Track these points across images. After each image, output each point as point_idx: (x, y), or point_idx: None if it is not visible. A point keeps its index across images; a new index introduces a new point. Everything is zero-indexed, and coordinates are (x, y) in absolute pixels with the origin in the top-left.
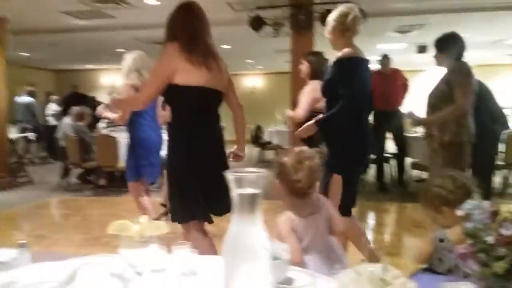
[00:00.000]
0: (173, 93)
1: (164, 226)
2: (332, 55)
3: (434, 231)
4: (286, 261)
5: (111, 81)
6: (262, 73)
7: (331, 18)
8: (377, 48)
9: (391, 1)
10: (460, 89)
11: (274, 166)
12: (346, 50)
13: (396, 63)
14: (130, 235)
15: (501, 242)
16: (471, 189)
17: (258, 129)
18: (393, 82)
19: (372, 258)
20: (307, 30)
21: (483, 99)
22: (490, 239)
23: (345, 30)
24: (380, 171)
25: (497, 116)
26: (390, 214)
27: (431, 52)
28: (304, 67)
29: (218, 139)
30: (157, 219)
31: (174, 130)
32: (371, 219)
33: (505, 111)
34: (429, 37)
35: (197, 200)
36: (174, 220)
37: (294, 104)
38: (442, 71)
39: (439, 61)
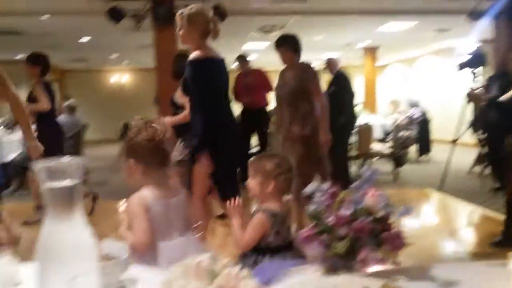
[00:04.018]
0: None
1: None
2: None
3: (253, 210)
4: (122, 260)
5: None
6: (129, 69)
7: (189, 15)
8: (243, 48)
9: (252, 0)
10: (317, 86)
11: (122, 152)
12: (198, 52)
13: (262, 63)
14: None
15: (341, 222)
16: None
17: (126, 126)
18: (254, 81)
19: None
20: (168, 24)
21: (345, 96)
22: (330, 220)
23: (204, 30)
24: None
25: (352, 113)
26: None
27: None
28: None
29: None
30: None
31: None
32: None
33: (357, 107)
34: None
35: None
36: None
37: (158, 102)
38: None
39: (288, 59)
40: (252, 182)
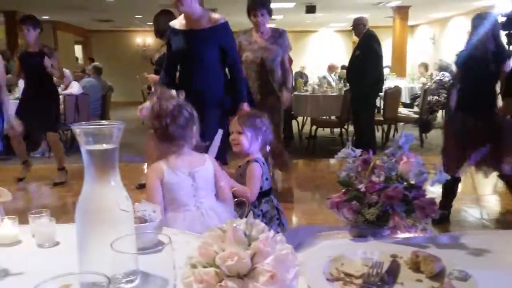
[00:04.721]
0: None
1: (5, 194)
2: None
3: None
4: (155, 223)
5: None
6: (153, 30)
7: None
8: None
9: None
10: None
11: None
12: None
13: (287, 23)
14: None
15: (372, 189)
16: None
17: (150, 89)
18: None
19: None
20: None
21: (372, 57)
22: (362, 186)
23: None
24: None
25: (379, 76)
26: None
27: (320, 12)
28: None
29: None
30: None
31: None
32: None
33: (385, 70)
34: None
35: None
36: None
37: None
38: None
39: (266, 22)
40: (241, 138)
